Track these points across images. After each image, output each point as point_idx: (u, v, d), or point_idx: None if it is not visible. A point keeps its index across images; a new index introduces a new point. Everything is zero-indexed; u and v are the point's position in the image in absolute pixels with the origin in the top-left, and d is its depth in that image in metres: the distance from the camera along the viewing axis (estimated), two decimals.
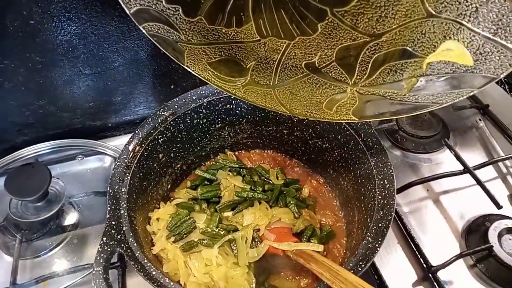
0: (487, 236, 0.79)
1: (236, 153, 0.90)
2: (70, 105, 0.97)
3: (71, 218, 0.89)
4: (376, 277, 0.75)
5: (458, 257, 0.77)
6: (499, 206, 0.81)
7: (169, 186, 0.81)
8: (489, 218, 0.84)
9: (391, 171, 0.63)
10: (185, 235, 0.70)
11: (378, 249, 0.55)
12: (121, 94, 0.98)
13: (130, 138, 0.70)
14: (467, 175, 0.86)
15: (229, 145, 0.87)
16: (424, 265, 0.78)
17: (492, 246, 0.77)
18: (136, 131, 0.71)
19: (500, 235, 0.79)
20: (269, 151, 0.89)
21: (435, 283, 0.76)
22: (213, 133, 0.83)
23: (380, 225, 0.57)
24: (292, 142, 0.84)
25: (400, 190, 0.85)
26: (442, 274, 0.77)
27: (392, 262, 0.80)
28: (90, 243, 0.86)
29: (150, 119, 0.73)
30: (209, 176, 0.82)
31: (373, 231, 0.57)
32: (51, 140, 0.96)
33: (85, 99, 0.96)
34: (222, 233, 0.69)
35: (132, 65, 0.92)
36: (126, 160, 0.68)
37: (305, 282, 0.68)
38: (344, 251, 0.75)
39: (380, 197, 0.61)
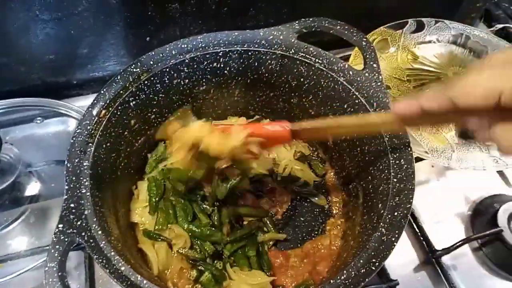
0: (496, 219, 0.72)
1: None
2: (27, 57, 0.82)
3: (30, 189, 0.78)
4: None
5: (464, 241, 0.71)
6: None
7: (142, 158, 0.70)
8: (498, 199, 0.77)
9: (409, 149, 0.53)
10: None
11: (394, 243, 0.46)
12: (87, 46, 0.83)
13: (94, 100, 0.57)
14: None
15: (214, 113, 0.76)
16: (427, 249, 0.72)
17: (502, 230, 0.71)
18: (102, 91, 0.58)
19: (510, 218, 0.72)
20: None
21: (438, 268, 0.70)
22: (197, 96, 0.71)
23: (396, 214, 0.48)
24: (289, 111, 0.73)
25: None
26: (445, 258, 0.70)
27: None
28: (52, 219, 0.76)
29: (119, 77, 0.60)
30: None
31: (387, 221, 0.48)
32: (5, 99, 0.81)
33: (44, 51, 0.81)
34: None
35: (100, 11, 0.77)
36: (88, 127, 0.55)
37: None
38: (342, 233, 0.67)
39: (395, 179, 0.51)
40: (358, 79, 0.60)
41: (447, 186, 0.81)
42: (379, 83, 0.58)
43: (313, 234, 0.69)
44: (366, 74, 0.59)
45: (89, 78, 0.90)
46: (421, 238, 0.73)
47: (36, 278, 0.68)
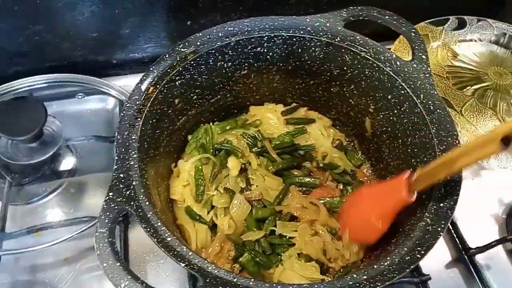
0: None
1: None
2: (71, 34, 0.84)
3: (67, 163, 0.80)
4: None
5: (499, 242, 0.70)
6: None
7: (182, 138, 0.71)
8: None
9: (457, 142, 0.52)
10: None
11: (441, 233, 0.46)
12: (130, 27, 0.85)
13: (143, 76, 0.58)
14: None
15: (252, 98, 0.76)
16: (461, 247, 0.71)
17: None
18: (151, 68, 0.59)
19: None
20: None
21: (471, 266, 0.69)
22: (237, 80, 0.71)
23: (442, 205, 0.48)
24: (327, 100, 0.73)
25: None
26: (478, 257, 0.69)
27: None
28: (88, 193, 0.77)
29: (167, 56, 0.61)
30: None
31: (433, 211, 0.48)
32: (48, 74, 0.83)
33: (88, 28, 0.83)
34: None
35: None
36: (137, 102, 0.56)
37: None
38: None
39: None
40: (405, 69, 0.59)
41: (482, 186, 0.79)
42: (427, 75, 0.58)
43: None
44: (414, 65, 0.59)
45: (128, 59, 0.91)
46: (455, 235, 0.72)
47: (71, 248, 0.70)
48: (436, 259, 0.71)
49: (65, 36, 0.83)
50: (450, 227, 0.73)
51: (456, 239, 0.72)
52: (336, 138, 0.75)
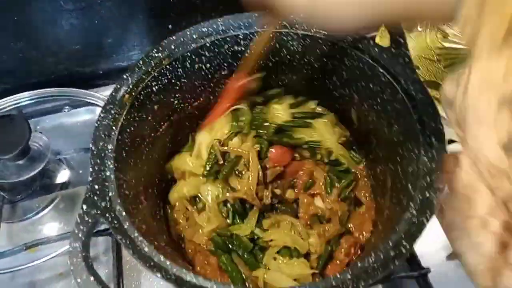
0: None
1: None
2: (54, 48, 0.84)
3: (60, 177, 0.80)
4: None
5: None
6: None
7: (168, 144, 0.70)
8: None
9: (440, 127, 0.50)
10: None
11: (425, 224, 0.44)
12: (111, 36, 0.85)
13: (116, 85, 0.58)
14: None
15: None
16: None
17: None
18: (125, 76, 0.59)
19: None
20: None
21: None
22: (219, 81, 0.70)
23: (427, 194, 0.46)
24: (312, 93, 0.71)
25: None
26: None
27: (425, 232, 0.69)
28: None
29: (141, 62, 0.60)
30: None
31: (418, 202, 0.46)
32: (36, 89, 0.84)
33: (70, 41, 0.84)
34: None
35: (122, 0, 0.78)
36: (112, 111, 0.56)
37: None
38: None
39: (426, 159, 0.49)
40: (385, 56, 0.57)
41: None
42: (407, 59, 0.55)
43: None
44: (393, 51, 0.57)
45: (114, 68, 0.91)
46: None
47: (66, 263, 0.70)
48: (436, 252, 0.68)
49: (48, 51, 0.84)
50: None
51: None
52: (343, 135, 0.72)
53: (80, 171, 0.81)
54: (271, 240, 0.60)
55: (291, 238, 0.59)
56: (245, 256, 0.60)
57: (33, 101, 0.82)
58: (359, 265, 0.43)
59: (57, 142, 0.80)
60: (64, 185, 0.79)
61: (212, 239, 0.62)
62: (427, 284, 0.62)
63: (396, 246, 0.43)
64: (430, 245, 0.68)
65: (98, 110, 0.86)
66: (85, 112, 0.87)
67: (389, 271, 0.41)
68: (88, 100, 0.84)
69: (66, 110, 0.84)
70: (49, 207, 0.77)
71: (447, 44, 0.85)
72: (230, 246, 0.61)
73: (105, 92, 0.87)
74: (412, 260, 0.64)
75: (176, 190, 0.68)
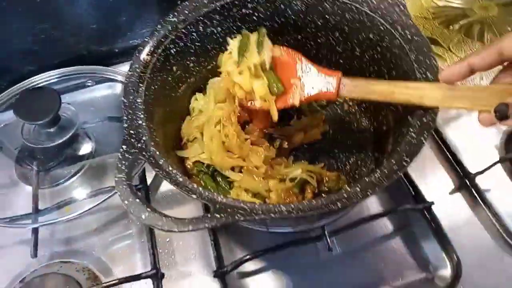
0: None
1: None
2: (75, 29, 0.90)
3: (86, 146, 0.86)
4: (411, 188, 0.72)
5: (498, 162, 0.72)
6: None
7: (185, 105, 0.76)
8: None
9: (434, 62, 0.56)
10: None
11: (424, 142, 0.50)
12: (126, 13, 0.90)
13: (139, 47, 0.64)
14: None
15: None
16: (461, 173, 0.74)
17: None
18: (146, 39, 0.65)
19: None
20: None
21: (473, 190, 0.72)
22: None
23: (424, 119, 0.52)
24: (317, 52, 0.77)
25: None
26: (480, 180, 0.72)
27: (428, 171, 0.75)
28: (108, 172, 0.84)
29: (159, 26, 0.66)
30: None
31: (417, 127, 0.52)
32: (59, 68, 0.90)
33: (88, 20, 0.89)
34: None
35: None
36: (138, 70, 0.62)
37: None
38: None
39: None
40: (382, 6, 0.62)
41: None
42: (402, 7, 0.61)
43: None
44: (389, 0, 0.62)
45: (129, 46, 0.97)
46: (455, 164, 0.75)
47: (99, 220, 0.77)
48: (439, 187, 0.74)
49: (70, 31, 0.90)
50: (449, 155, 0.76)
51: (457, 166, 0.75)
52: None
53: (105, 141, 0.87)
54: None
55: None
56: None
57: (60, 78, 0.89)
58: (366, 180, 0.49)
59: (82, 115, 0.86)
60: (90, 154, 0.86)
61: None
62: (432, 215, 0.68)
63: (398, 162, 0.49)
64: (434, 182, 0.74)
65: (117, 85, 0.93)
66: (105, 87, 0.93)
67: (393, 180, 0.47)
68: (108, 76, 0.90)
69: (89, 84, 0.91)
70: (78, 174, 0.83)
71: (440, 3, 0.90)
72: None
73: (123, 68, 0.94)
74: (417, 194, 0.69)
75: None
